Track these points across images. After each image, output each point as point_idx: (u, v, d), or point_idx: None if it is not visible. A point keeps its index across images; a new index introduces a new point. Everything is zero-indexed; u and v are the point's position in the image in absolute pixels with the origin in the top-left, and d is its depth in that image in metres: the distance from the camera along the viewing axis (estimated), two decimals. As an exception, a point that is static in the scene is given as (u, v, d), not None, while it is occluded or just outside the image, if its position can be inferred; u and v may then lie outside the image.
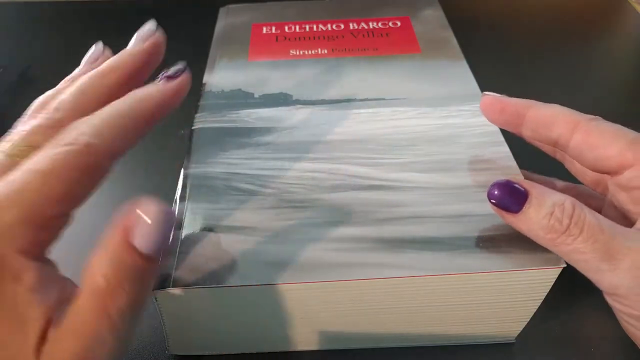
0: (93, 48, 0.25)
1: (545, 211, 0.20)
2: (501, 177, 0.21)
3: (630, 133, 0.21)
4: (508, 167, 0.25)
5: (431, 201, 0.23)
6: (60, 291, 0.17)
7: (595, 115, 0.23)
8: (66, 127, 0.19)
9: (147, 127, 0.20)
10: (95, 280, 0.16)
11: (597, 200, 0.24)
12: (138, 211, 0.17)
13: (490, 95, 0.25)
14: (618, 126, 0.22)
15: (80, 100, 0.20)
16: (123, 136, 0.19)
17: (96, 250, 0.17)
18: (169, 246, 0.22)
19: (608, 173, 0.22)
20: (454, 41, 0.35)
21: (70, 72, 0.27)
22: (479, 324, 0.24)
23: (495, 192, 0.21)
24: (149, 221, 0.16)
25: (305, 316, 0.23)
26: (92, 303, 0.16)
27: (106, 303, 0.16)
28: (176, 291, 0.21)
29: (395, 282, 0.21)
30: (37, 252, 0.17)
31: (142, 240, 0.17)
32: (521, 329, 0.24)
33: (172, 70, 0.21)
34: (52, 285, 0.17)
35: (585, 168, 0.23)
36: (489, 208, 0.23)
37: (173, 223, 0.17)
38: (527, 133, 0.24)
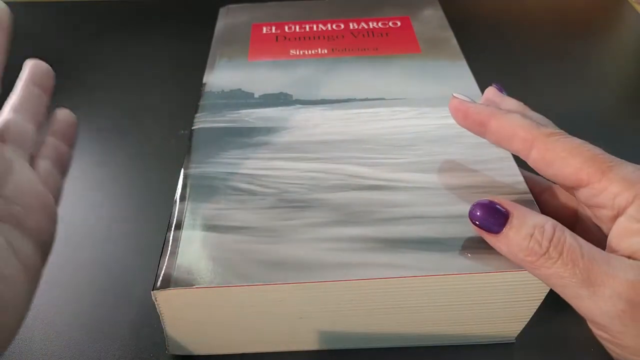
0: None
1: (525, 232, 0.19)
2: (482, 198, 0.21)
3: (587, 150, 0.20)
4: (508, 167, 0.25)
5: (431, 201, 0.23)
6: None
7: (562, 129, 0.22)
8: None
9: None
10: None
11: None
12: None
13: (457, 98, 0.24)
14: (577, 142, 0.21)
15: None
16: None
17: None
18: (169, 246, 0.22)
19: (571, 188, 0.22)
20: (454, 41, 0.35)
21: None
22: (479, 324, 0.24)
23: (477, 213, 0.21)
24: None
25: (304, 316, 0.23)
26: None
27: None
28: (176, 291, 0.21)
29: (395, 282, 0.21)
30: None
31: None
32: (521, 329, 0.24)
33: None
34: None
35: None
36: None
37: None
38: (491, 142, 0.24)
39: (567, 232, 0.19)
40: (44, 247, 0.23)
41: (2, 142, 0.23)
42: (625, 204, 0.19)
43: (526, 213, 0.20)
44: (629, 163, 0.20)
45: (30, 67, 0.27)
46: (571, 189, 0.22)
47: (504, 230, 0.20)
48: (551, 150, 0.21)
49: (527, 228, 0.19)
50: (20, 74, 0.26)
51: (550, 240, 0.19)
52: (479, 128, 0.24)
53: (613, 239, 0.20)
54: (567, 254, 0.19)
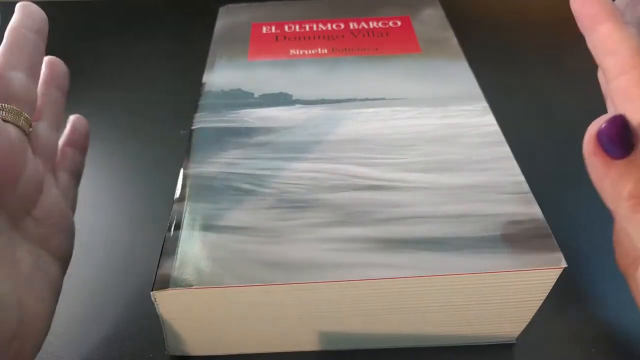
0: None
1: None
2: (618, 114, 0.18)
3: None
4: (508, 167, 0.25)
5: (431, 201, 0.23)
6: None
7: None
8: None
9: None
10: None
11: None
12: None
13: None
14: None
15: None
16: None
17: None
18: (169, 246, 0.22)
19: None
20: (454, 41, 0.35)
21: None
22: (479, 324, 0.24)
23: (610, 128, 0.17)
24: None
25: (304, 316, 0.23)
26: None
27: None
28: (176, 291, 0.20)
29: (395, 282, 0.21)
30: None
31: None
32: (522, 329, 0.24)
33: None
34: None
35: None
36: (488, 208, 0.23)
37: None
38: (588, 43, 0.21)
39: None
40: (65, 264, 0.23)
41: (34, 155, 0.22)
42: None
43: None
44: None
45: (49, 66, 0.26)
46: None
47: (625, 159, 0.17)
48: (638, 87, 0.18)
49: None
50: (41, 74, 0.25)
51: None
52: (588, 22, 0.20)
53: None
54: None
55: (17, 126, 0.21)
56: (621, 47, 0.19)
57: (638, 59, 0.19)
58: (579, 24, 0.21)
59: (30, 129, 0.22)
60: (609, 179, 0.18)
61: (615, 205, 0.18)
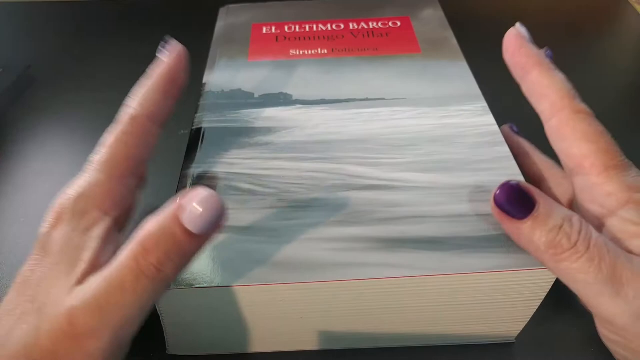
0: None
1: (552, 224, 0.18)
2: (509, 179, 0.19)
3: (604, 142, 0.20)
4: (508, 167, 0.25)
5: (431, 201, 0.23)
6: (116, 247, 0.20)
7: (592, 110, 0.21)
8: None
9: (171, 90, 0.25)
10: (139, 241, 0.18)
11: None
12: (191, 196, 0.18)
13: (518, 30, 0.24)
14: (599, 130, 0.20)
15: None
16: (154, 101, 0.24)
17: (151, 217, 0.19)
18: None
19: (570, 169, 0.21)
20: (454, 41, 0.35)
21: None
22: (479, 324, 0.24)
23: (503, 195, 0.19)
24: (200, 208, 0.18)
25: (304, 316, 0.23)
26: (129, 259, 0.18)
27: (140, 263, 0.18)
28: (177, 291, 0.21)
29: (395, 282, 0.21)
30: (111, 209, 0.21)
31: (191, 221, 0.18)
32: (521, 329, 0.24)
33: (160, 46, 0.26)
34: (111, 240, 0.20)
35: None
36: (488, 208, 0.23)
37: (222, 212, 0.19)
38: (523, 90, 0.23)
39: (591, 227, 0.18)
40: None
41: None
42: (616, 206, 0.19)
43: (553, 204, 0.19)
44: (636, 169, 0.20)
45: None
46: (570, 171, 0.21)
47: (529, 217, 0.19)
48: (571, 127, 0.20)
49: (556, 219, 0.18)
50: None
51: (579, 234, 0.18)
52: (519, 71, 0.23)
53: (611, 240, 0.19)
54: (594, 248, 0.18)
55: None
56: (550, 91, 0.21)
57: (567, 101, 0.21)
58: (513, 74, 0.23)
59: None
60: (524, 238, 0.19)
61: (540, 260, 0.19)
